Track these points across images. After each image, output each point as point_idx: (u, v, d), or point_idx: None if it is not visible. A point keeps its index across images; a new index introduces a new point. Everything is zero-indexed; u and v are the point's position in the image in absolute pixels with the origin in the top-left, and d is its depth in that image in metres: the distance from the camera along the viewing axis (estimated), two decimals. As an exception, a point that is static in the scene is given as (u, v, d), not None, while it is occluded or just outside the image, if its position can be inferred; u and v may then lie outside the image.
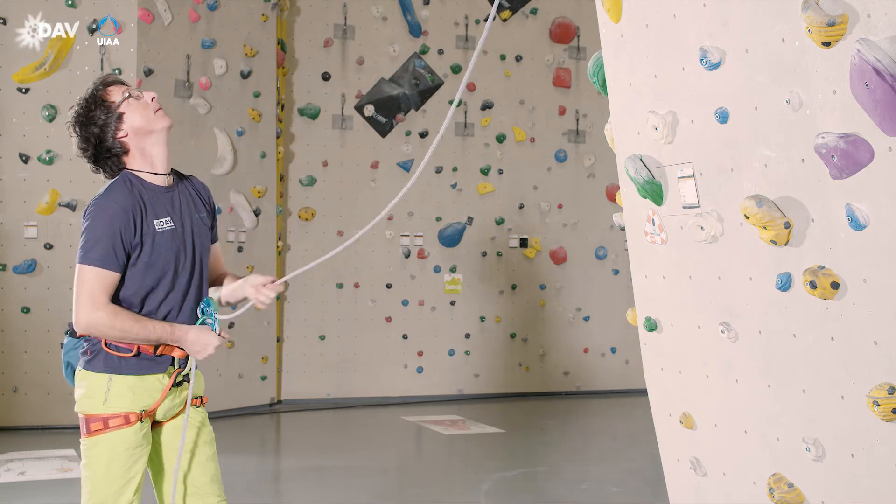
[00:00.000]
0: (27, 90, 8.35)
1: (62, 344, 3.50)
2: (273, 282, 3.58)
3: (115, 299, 3.34)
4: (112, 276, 3.29)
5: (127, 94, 3.41)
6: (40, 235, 8.44)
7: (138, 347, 3.33)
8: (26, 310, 8.40)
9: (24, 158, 8.38)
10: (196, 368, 3.49)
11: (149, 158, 3.43)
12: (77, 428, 3.47)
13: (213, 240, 3.66)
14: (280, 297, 9.96)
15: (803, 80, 2.88)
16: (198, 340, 3.39)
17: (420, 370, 10.45)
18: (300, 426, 9.25)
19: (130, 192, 3.36)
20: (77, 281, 3.28)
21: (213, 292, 3.65)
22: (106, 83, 3.44)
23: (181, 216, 3.45)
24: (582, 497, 6.48)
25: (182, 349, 3.41)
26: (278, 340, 9.98)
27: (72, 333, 3.46)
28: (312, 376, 10.08)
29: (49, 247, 8.42)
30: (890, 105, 2.59)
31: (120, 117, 3.39)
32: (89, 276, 3.26)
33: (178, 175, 3.57)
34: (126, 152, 3.41)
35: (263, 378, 9.76)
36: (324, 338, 10.11)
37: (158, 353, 3.37)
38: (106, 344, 3.32)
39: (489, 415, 9.62)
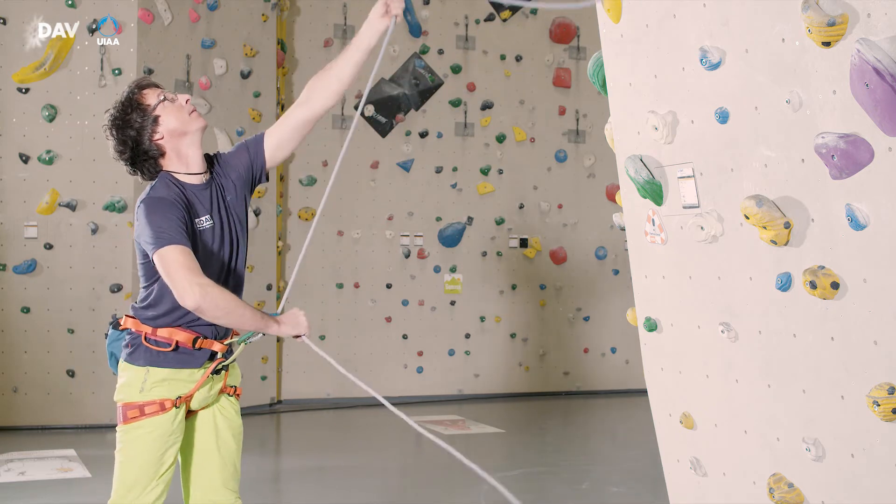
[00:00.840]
0: (27, 90, 8.34)
1: (106, 335, 3.59)
2: None
3: (174, 299, 3.34)
4: (191, 252, 3.29)
5: (162, 97, 3.47)
6: (40, 235, 8.44)
7: (177, 342, 3.41)
8: (26, 310, 8.40)
9: (24, 158, 8.38)
10: (235, 361, 3.58)
11: (185, 160, 3.49)
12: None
13: (261, 142, 3.64)
14: (280, 298, 9.97)
15: (803, 80, 2.88)
16: (289, 318, 3.49)
17: (420, 370, 10.45)
18: (300, 426, 9.24)
19: (173, 190, 3.42)
20: (166, 265, 3.25)
21: (343, 66, 3.65)
22: (141, 86, 3.50)
23: (219, 211, 3.51)
24: (582, 497, 6.48)
25: (223, 342, 3.49)
26: (278, 340, 9.97)
27: (115, 326, 3.54)
28: (312, 376, 10.08)
29: (49, 247, 8.42)
30: (890, 105, 2.59)
31: (156, 120, 3.44)
32: (175, 255, 3.25)
33: (209, 162, 3.59)
34: (163, 154, 3.47)
35: (263, 378, 9.76)
36: (324, 338, 10.11)
37: (197, 346, 3.45)
38: (146, 339, 3.40)
39: (489, 415, 9.62)
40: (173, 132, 3.46)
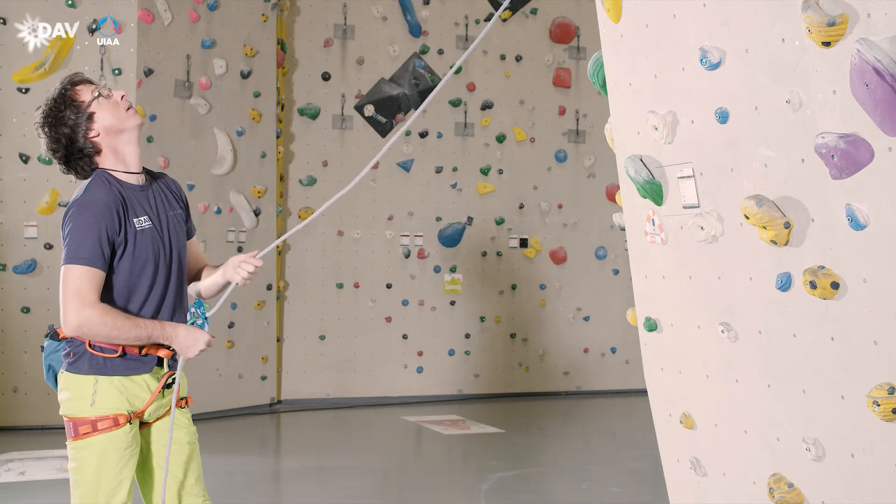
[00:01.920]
0: (27, 90, 8.34)
1: (42, 347, 3.46)
2: (254, 256, 3.55)
3: (119, 303, 3.32)
4: (99, 275, 3.25)
5: (97, 94, 3.37)
6: (40, 235, 8.45)
7: (123, 348, 3.30)
8: (26, 310, 8.40)
9: (24, 158, 8.38)
10: (182, 370, 3.46)
11: (122, 157, 3.41)
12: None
13: (190, 235, 3.65)
14: (280, 298, 9.97)
15: (803, 80, 2.88)
16: (188, 337, 3.35)
17: (420, 370, 10.45)
18: (300, 426, 9.24)
19: (110, 190, 3.33)
20: (63, 282, 3.23)
21: (191, 289, 3.64)
22: (74, 82, 3.40)
23: (158, 214, 3.43)
24: (582, 497, 6.48)
25: (169, 348, 3.38)
26: (278, 340, 9.97)
27: (53, 336, 3.42)
28: (312, 376, 10.08)
29: (49, 247, 8.42)
30: (890, 105, 2.59)
31: (90, 117, 3.35)
32: (76, 275, 3.22)
33: (149, 174, 3.54)
34: (98, 152, 3.38)
35: (263, 378, 9.76)
36: (324, 338, 10.11)
37: (143, 352, 3.35)
38: (90, 345, 3.28)
39: (489, 415, 9.62)
40: (109, 129, 3.37)
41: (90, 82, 3.43)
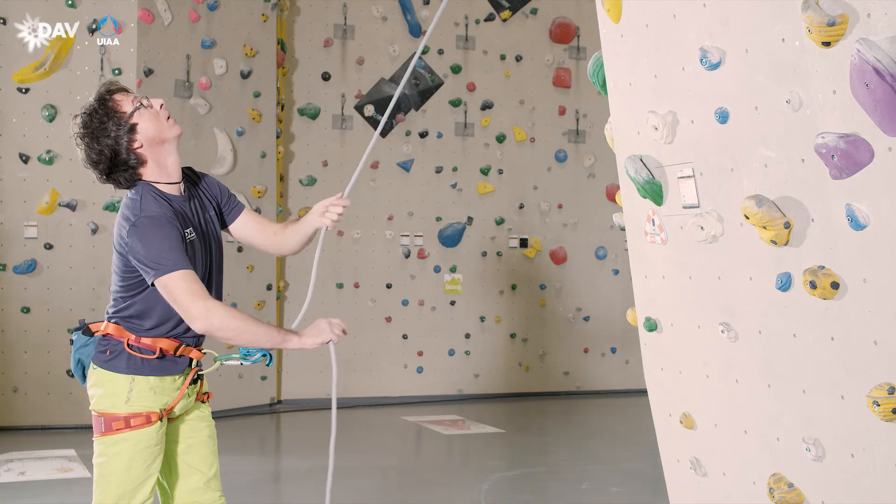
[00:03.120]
0: (27, 90, 8.34)
1: (72, 341, 3.45)
2: (339, 197, 3.63)
3: (162, 313, 3.32)
4: (196, 275, 3.24)
5: (138, 104, 3.32)
6: (40, 235, 8.44)
7: (161, 349, 3.33)
8: (26, 310, 8.40)
9: (24, 158, 8.38)
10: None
11: (164, 168, 3.37)
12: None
13: (239, 211, 3.66)
14: (280, 298, 9.97)
15: (803, 80, 2.88)
16: (310, 333, 3.47)
17: (420, 370, 10.45)
18: (300, 426, 9.24)
19: (162, 205, 3.30)
20: (171, 292, 3.19)
21: (285, 228, 3.70)
22: (111, 90, 3.34)
23: (200, 225, 3.45)
24: (582, 497, 6.48)
25: (201, 349, 3.45)
26: (278, 340, 9.96)
27: (85, 331, 3.41)
28: (312, 376, 10.07)
29: (49, 247, 8.42)
30: (890, 105, 2.59)
31: (133, 128, 3.29)
32: (179, 278, 3.18)
33: (188, 178, 3.52)
34: (143, 163, 3.33)
35: (263, 378, 9.76)
36: (324, 338, 10.09)
37: (178, 354, 3.39)
38: (129, 345, 3.31)
39: (489, 415, 9.62)
40: (152, 140, 3.32)
41: (128, 91, 3.38)
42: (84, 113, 3.33)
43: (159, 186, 3.37)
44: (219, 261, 3.54)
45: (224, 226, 3.66)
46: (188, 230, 3.36)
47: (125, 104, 3.32)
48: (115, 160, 3.31)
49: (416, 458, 8.31)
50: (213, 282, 3.49)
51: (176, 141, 3.40)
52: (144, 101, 3.34)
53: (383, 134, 10.41)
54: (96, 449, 3.38)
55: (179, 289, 3.18)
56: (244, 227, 3.69)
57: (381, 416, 9.60)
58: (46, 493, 6.42)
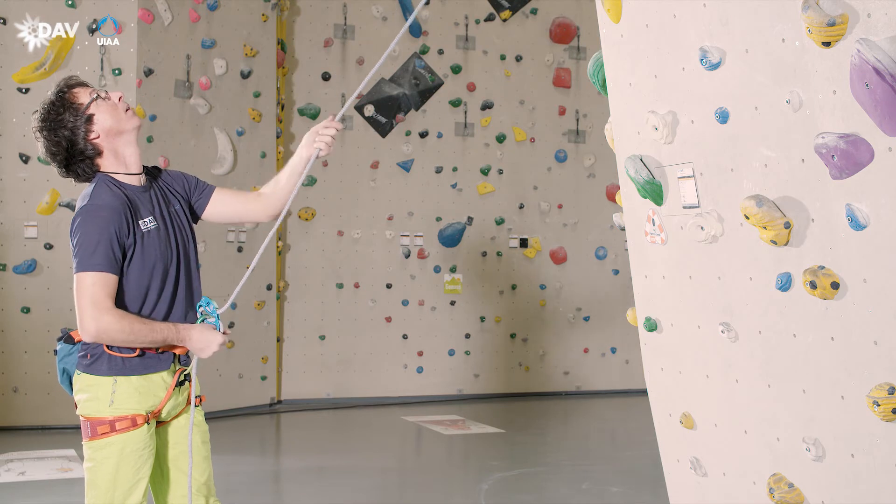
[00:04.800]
0: (27, 90, 8.34)
1: (55, 351, 3.46)
2: (332, 119, 3.64)
3: (130, 303, 3.33)
4: (113, 280, 3.25)
5: (95, 95, 3.37)
6: (40, 235, 8.45)
7: (141, 348, 3.32)
8: (26, 310, 8.40)
9: (24, 158, 8.38)
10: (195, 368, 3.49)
11: (122, 159, 3.41)
12: (77, 428, 3.46)
13: (211, 191, 3.63)
14: (280, 298, 9.97)
15: (803, 80, 2.88)
16: (201, 338, 3.38)
17: (420, 370, 10.45)
18: (300, 426, 9.24)
19: (116, 193, 3.33)
20: (78, 290, 3.23)
21: (272, 185, 3.68)
22: (70, 85, 3.39)
23: (161, 214, 3.44)
24: (582, 497, 6.48)
25: (184, 347, 3.41)
26: (278, 340, 9.97)
27: (67, 339, 3.42)
28: (312, 376, 10.08)
29: (49, 247, 8.43)
30: (890, 105, 2.59)
31: (90, 119, 3.34)
32: (90, 282, 3.22)
33: (149, 173, 3.53)
34: (99, 154, 3.38)
35: (263, 378, 9.76)
36: (324, 338, 10.11)
37: (160, 350, 3.37)
38: (108, 346, 3.29)
39: (489, 415, 9.62)
40: (109, 131, 3.36)
41: (86, 85, 3.42)
42: (42, 106, 3.38)
43: (117, 177, 3.39)
44: (187, 255, 3.50)
45: (196, 218, 3.64)
46: (147, 219, 3.37)
47: (82, 96, 3.37)
48: (71, 150, 3.35)
49: (416, 458, 8.31)
50: (179, 277, 3.44)
51: (135, 132, 3.43)
52: (102, 94, 3.39)
53: (383, 134, 10.41)
54: (85, 454, 3.37)
55: (86, 291, 3.21)
56: (223, 204, 3.66)
57: (381, 416, 9.60)
58: (46, 493, 6.42)
